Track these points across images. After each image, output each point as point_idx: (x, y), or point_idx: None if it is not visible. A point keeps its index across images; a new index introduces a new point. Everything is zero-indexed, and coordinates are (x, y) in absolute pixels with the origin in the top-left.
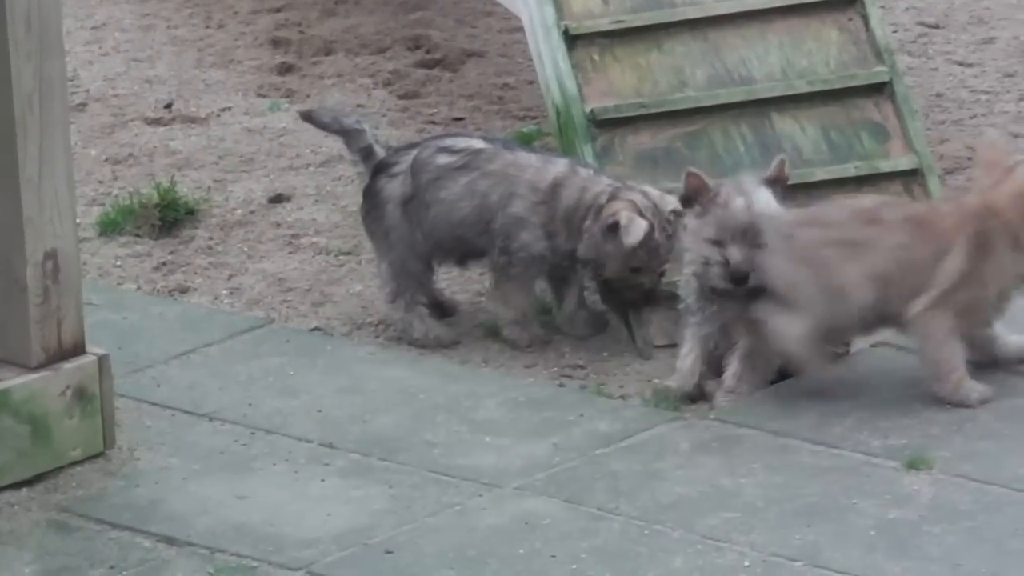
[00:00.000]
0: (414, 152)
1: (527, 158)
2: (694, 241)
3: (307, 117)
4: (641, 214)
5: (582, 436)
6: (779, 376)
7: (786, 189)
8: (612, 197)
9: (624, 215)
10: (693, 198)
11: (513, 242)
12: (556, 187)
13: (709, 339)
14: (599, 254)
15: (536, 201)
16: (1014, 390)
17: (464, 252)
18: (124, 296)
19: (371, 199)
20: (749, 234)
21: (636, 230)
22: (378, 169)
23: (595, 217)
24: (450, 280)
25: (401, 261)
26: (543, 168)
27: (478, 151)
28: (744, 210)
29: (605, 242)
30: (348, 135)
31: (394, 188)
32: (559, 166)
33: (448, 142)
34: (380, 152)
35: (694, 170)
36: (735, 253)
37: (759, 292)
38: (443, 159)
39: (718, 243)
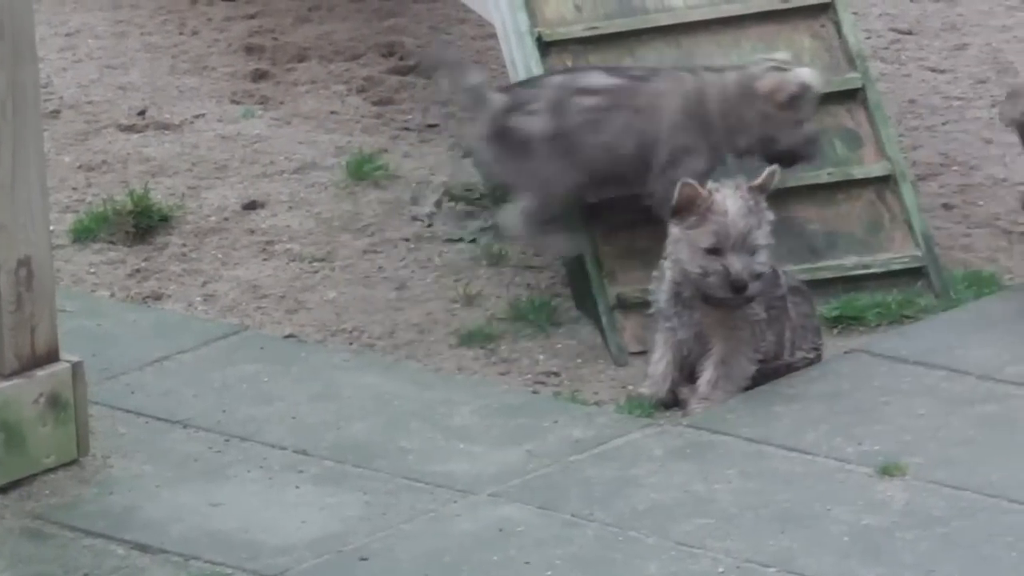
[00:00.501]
0: (545, 91)
1: (656, 84)
2: (689, 251)
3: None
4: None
5: (556, 443)
6: (753, 382)
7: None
8: (753, 76)
9: (785, 77)
10: (687, 208)
11: (678, 168)
12: (699, 99)
13: (682, 345)
14: (773, 128)
15: (692, 124)
16: (988, 396)
17: (618, 185)
18: (98, 303)
19: (505, 137)
20: (747, 242)
21: (806, 76)
22: (509, 108)
23: (756, 100)
24: (424, 288)
25: (546, 193)
26: (672, 87)
27: (619, 88)
28: (742, 218)
29: (784, 110)
30: (455, 70)
31: (535, 125)
32: (678, 80)
33: (581, 83)
34: (491, 95)
35: (689, 180)
36: (735, 263)
37: (754, 297)
38: (587, 100)
39: (715, 252)
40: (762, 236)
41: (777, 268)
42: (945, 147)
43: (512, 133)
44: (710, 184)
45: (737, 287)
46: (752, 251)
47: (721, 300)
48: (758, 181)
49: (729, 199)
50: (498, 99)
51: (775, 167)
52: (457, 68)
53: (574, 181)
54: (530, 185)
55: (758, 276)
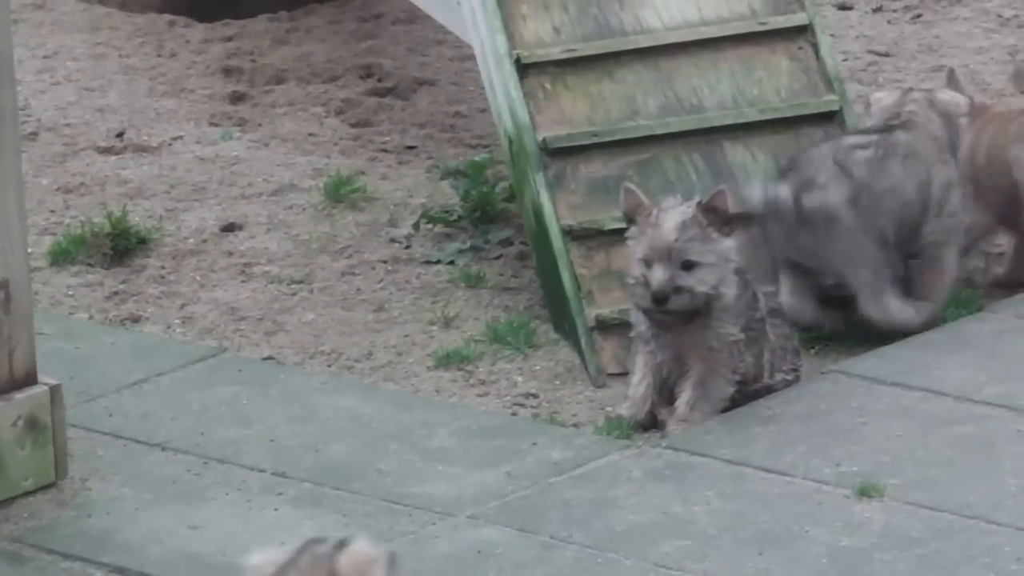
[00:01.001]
0: (818, 161)
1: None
2: (630, 261)
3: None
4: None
5: (535, 464)
6: (731, 404)
7: (730, 220)
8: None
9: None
10: (631, 216)
11: (946, 206)
12: (951, 135)
13: (661, 367)
14: None
15: (946, 160)
16: (966, 417)
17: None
18: (76, 325)
19: (809, 219)
20: (674, 255)
21: None
22: (799, 190)
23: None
24: (402, 310)
25: (875, 258)
26: (924, 126)
27: (884, 135)
28: (671, 231)
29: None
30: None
31: (834, 196)
32: (932, 118)
33: (849, 140)
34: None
35: (631, 186)
36: (657, 274)
37: (683, 314)
38: (863, 154)
39: (646, 262)
40: (701, 253)
41: (756, 290)
42: None
43: (812, 214)
44: (661, 198)
45: (656, 298)
46: (686, 266)
47: (647, 312)
48: (705, 200)
49: (667, 212)
50: (784, 190)
51: (723, 187)
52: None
53: (886, 234)
54: (858, 260)
55: (680, 290)
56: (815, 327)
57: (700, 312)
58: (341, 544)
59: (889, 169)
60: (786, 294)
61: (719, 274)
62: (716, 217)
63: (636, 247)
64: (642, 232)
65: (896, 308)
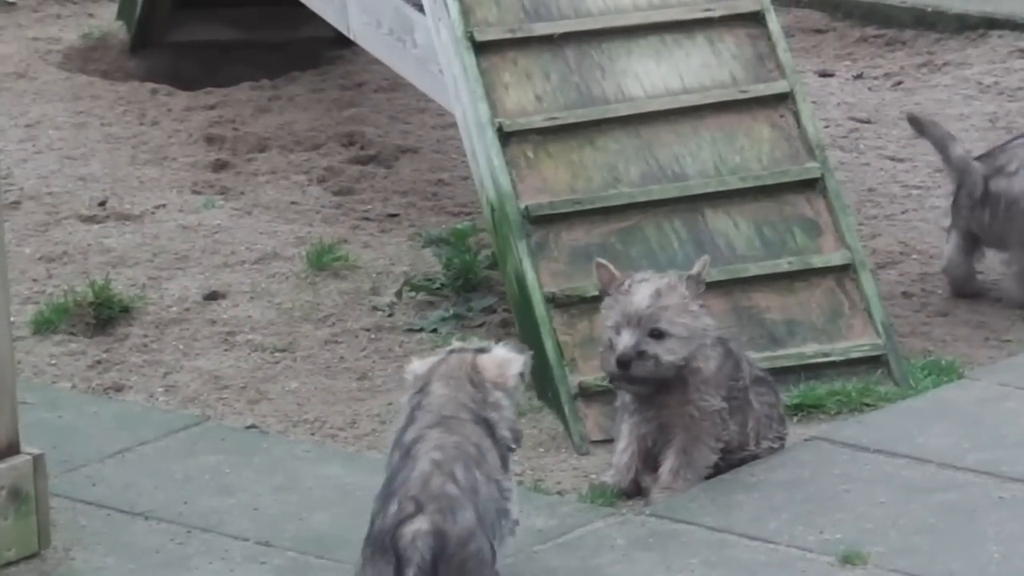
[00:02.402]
0: (1018, 151)
1: None
2: (603, 329)
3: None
4: None
5: (520, 532)
6: (715, 471)
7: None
8: None
9: None
10: (605, 288)
11: None
12: None
13: (646, 435)
14: None
15: None
16: (948, 484)
17: None
18: (59, 395)
19: (994, 204)
20: (644, 322)
21: None
22: (989, 175)
23: None
24: (386, 378)
25: None
26: None
27: None
28: (640, 299)
29: None
30: (944, 144)
31: (1017, 185)
32: None
33: None
34: (974, 164)
35: (602, 261)
36: (624, 339)
37: (649, 382)
38: None
39: (616, 329)
40: (672, 324)
41: (740, 359)
42: (904, 236)
43: (996, 198)
44: (634, 271)
45: (620, 362)
46: (655, 334)
47: (611, 379)
48: (693, 271)
49: (641, 283)
50: (978, 167)
51: (706, 256)
52: (942, 141)
53: None
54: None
55: (643, 355)
56: (964, 285)
57: (675, 383)
58: (482, 349)
59: None
60: (951, 249)
61: (691, 347)
62: (699, 287)
63: (608, 316)
64: (615, 301)
65: None
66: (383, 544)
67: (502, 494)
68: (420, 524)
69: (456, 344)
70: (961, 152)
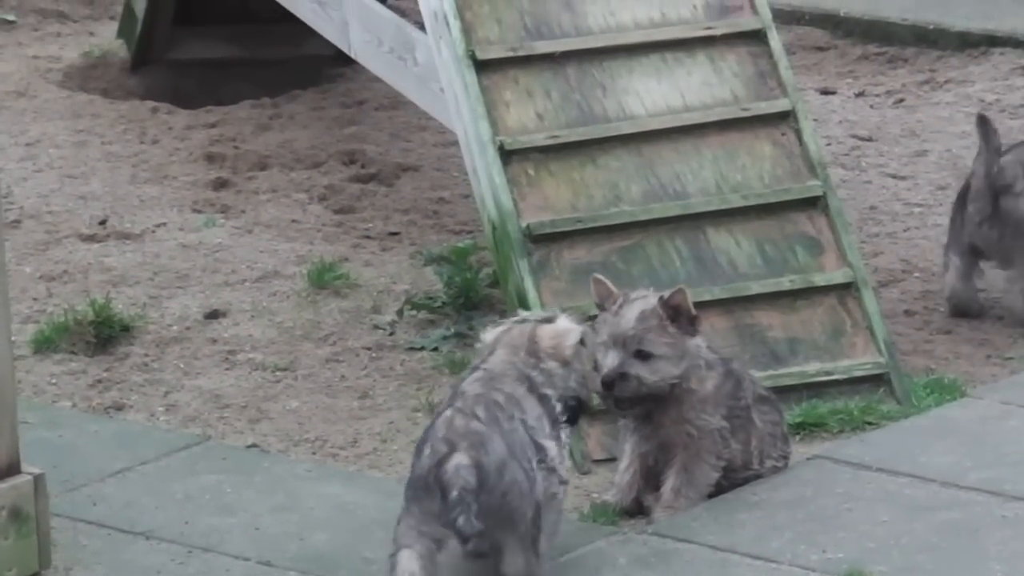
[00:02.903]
0: (1017, 169)
1: None
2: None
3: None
4: None
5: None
6: (718, 490)
7: (692, 318)
8: None
9: None
10: (602, 304)
11: None
12: None
13: (648, 454)
14: None
15: None
16: (951, 503)
17: None
18: (59, 414)
19: (1002, 222)
20: (629, 344)
21: None
22: (998, 193)
23: None
24: (387, 396)
25: None
26: None
27: None
28: (627, 320)
29: None
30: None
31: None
32: None
33: None
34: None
35: (599, 276)
36: (610, 359)
37: (636, 402)
38: None
39: (604, 347)
40: (656, 345)
41: (742, 378)
42: (906, 253)
43: (1007, 216)
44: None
45: (604, 382)
46: (640, 355)
47: (601, 398)
48: (665, 296)
49: (631, 303)
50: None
51: (682, 286)
52: (993, 153)
53: None
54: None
55: (626, 376)
56: (968, 309)
57: (671, 403)
58: (545, 319)
59: None
60: (953, 277)
61: (679, 367)
62: (675, 314)
63: (600, 333)
64: (605, 321)
65: None
66: (426, 484)
67: (536, 446)
68: (459, 459)
69: (523, 313)
70: (997, 171)
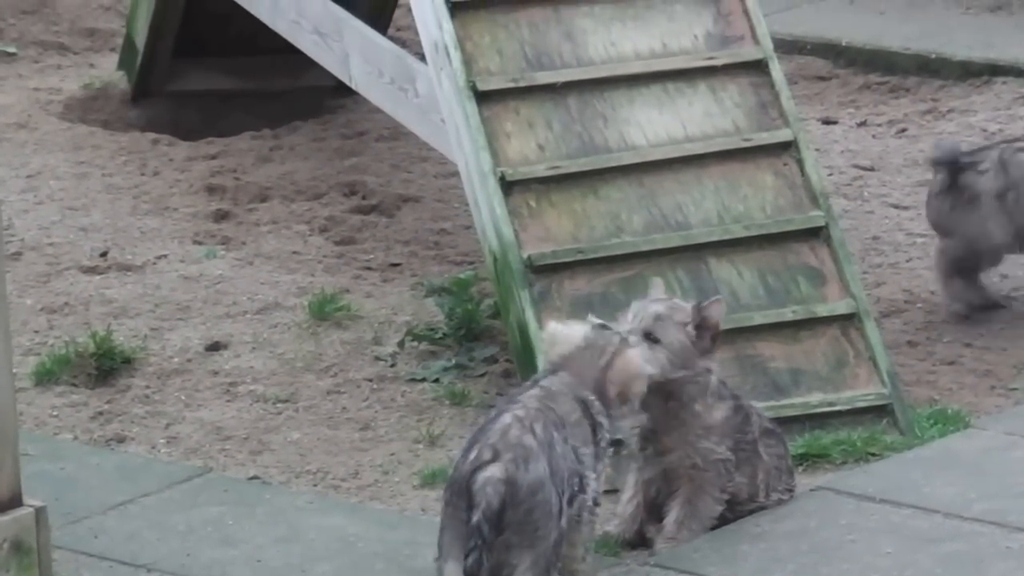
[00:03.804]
0: (994, 152)
1: None
2: None
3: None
4: None
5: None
6: (721, 522)
7: (713, 336)
8: None
9: None
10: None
11: None
12: None
13: (650, 485)
14: None
15: None
16: (955, 534)
17: None
18: (61, 446)
19: (958, 195)
20: (644, 322)
21: None
22: (962, 168)
23: None
24: (388, 428)
25: (975, 245)
26: None
27: None
28: (656, 304)
29: None
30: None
31: (986, 183)
32: None
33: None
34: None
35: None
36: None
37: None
38: None
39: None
40: (668, 335)
41: (750, 413)
42: (909, 284)
43: (963, 191)
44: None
45: None
46: (649, 338)
47: None
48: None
49: (666, 296)
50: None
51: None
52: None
53: (1004, 238)
54: (965, 233)
55: None
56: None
57: (674, 425)
58: (624, 341)
59: None
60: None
61: (676, 371)
62: (702, 322)
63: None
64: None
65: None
66: (460, 488)
67: (580, 464)
68: (493, 471)
69: (599, 323)
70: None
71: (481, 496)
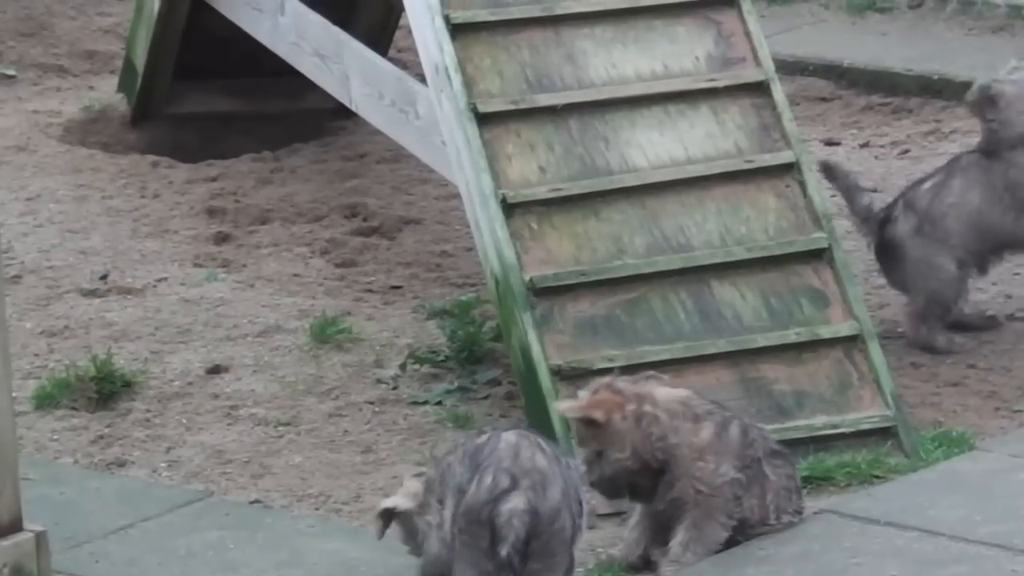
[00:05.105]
0: (899, 201)
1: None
2: None
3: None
4: None
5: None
6: (724, 544)
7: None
8: None
9: None
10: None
11: None
12: None
13: (659, 512)
14: None
15: None
16: (960, 557)
17: (996, 245)
18: (61, 470)
19: (890, 253)
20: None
21: None
22: (881, 225)
23: None
24: (390, 451)
25: (930, 289)
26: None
27: (952, 162)
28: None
29: None
30: (851, 194)
31: (902, 229)
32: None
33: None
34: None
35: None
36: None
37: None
38: (927, 185)
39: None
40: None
41: (747, 428)
42: None
43: (889, 245)
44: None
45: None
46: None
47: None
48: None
49: None
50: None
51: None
52: (851, 189)
53: (954, 264)
54: (915, 286)
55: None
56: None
57: (669, 462)
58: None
59: (953, 189)
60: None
61: (626, 451)
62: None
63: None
64: None
65: None
66: (479, 517)
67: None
68: (516, 502)
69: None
70: (867, 202)
71: (508, 529)
